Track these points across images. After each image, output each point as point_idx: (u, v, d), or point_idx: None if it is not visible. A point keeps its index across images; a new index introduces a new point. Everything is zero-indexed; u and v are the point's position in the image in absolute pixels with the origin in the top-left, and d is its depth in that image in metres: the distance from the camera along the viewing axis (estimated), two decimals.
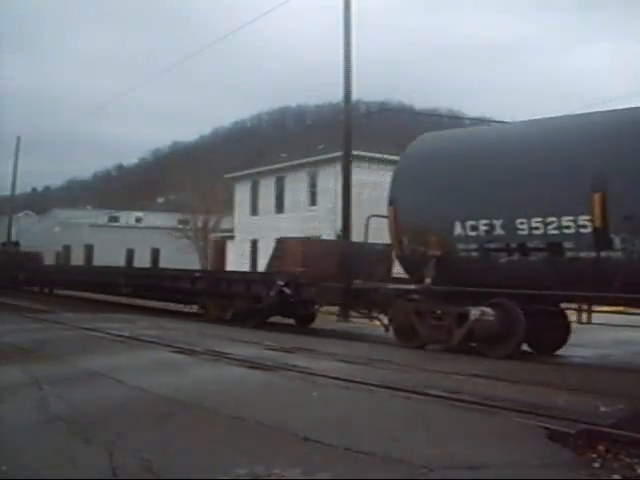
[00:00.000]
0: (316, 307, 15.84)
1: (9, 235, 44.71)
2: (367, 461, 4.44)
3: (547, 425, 5.39)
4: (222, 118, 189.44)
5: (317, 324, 16.34)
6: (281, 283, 14.76)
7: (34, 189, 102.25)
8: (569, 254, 9.71)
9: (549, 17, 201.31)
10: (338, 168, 22.54)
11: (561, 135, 10.40)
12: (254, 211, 34.48)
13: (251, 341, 11.94)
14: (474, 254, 10.85)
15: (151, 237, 42.81)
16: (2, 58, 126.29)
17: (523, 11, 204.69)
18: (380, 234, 13.62)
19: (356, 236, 19.50)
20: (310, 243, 18.10)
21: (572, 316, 10.47)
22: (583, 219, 9.45)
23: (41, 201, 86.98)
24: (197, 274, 19.64)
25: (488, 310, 10.31)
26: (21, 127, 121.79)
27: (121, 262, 24.56)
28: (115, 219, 59.26)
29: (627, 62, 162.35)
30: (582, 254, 9.58)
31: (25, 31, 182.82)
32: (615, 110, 10.14)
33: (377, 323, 14.81)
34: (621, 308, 10.11)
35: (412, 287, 11.83)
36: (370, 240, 13.80)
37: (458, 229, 10.91)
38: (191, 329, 14.32)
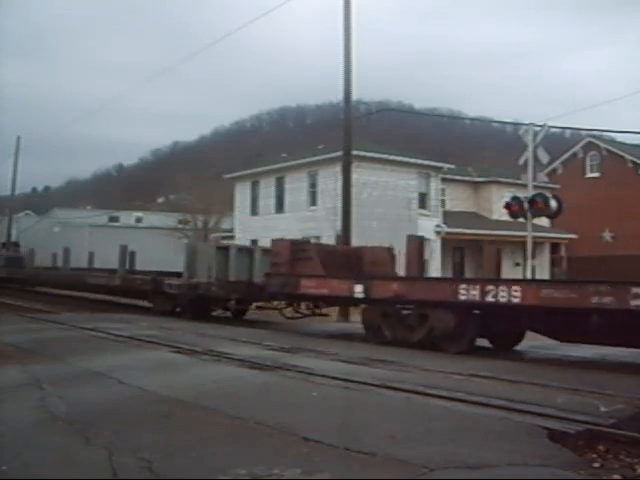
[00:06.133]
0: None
1: (9, 235, 44.68)
2: (367, 461, 4.44)
3: (547, 425, 5.40)
4: (222, 118, 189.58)
5: (317, 324, 16.36)
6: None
7: (34, 189, 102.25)
8: None
9: (548, 22, 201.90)
10: (338, 168, 22.51)
11: None
12: (254, 211, 34.42)
13: (251, 341, 11.94)
14: None
15: (151, 237, 42.82)
16: (3, 61, 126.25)
17: (522, 17, 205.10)
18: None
19: (356, 236, 19.56)
20: None
21: None
22: None
23: (41, 201, 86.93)
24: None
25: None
26: (21, 128, 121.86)
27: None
28: (115, 219, 59.16)
29: (622, 66, 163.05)
30: None
31: (26, 36, 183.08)
32: None
33: None
34: None
35: None
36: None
37: None
38: (190, 329, 14.30)
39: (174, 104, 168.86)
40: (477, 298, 10.61)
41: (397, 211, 29.11)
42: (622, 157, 38.42)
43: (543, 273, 31.93)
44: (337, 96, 22.98)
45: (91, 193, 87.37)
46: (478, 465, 4.38)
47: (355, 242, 18.93)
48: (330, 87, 27.26)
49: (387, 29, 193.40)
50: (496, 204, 31.29)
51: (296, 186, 31.25)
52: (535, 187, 17.90)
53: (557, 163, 40.55)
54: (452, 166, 33.00)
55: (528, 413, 5.89)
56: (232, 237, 35.21)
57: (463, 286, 10.99)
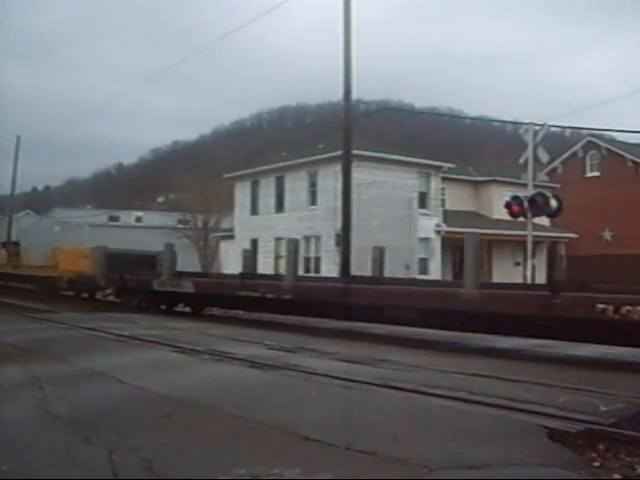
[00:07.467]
0: None
1: (9, 235, 44.69)
2: (368, 461, 4.44)
3: (547, 424, 5.39)
4: (222, 118, 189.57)
5: (317, 323, 16.30)
6: None
7: (34, 189, 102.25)
8: None
9: (549, 23, 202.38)
10: (338, 168, 22.50)
11: None
12: (254, 211, 34.43)
13: (252, 341, 11.92)
14: None
15: (151, 237, 42.77)
16: (4, 61, 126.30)
17: (523, 17, 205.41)
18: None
19: (356, 236, 19.56)
20: None
21: None
22: None
23: (41, 201, 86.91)
24: None
25: None
26: (21, 128, 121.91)
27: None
28: (115, 219, 59.19)
29: (622, 67, 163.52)
30: None
31: (26, 36, 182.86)
32: None
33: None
34: None
35: None
36: None
37: None
38: (192, 328, 14.30)
39: (174, 104, 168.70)
40: None
41: (397, 211, 29.11)
42: (622, 156, 38.41)
43: (543, 272, 31.89)
44: (337, 96, 22.92)
45: (91, 193, 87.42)
46: (479, 465, 4.37)
47: (355, 242, 18.92)
48: (330, 87, 27.23)
49: (387, 28, 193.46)
50: (496, 203, 31.28)
51: (296, 185, 31.25)
52: (535, 186, 17.91)
53: (557, 162, 40.55)
54: (452, 165, 33.01)
55: (529, 412, 5.88)
56: (232, 237, 35.18)
57: None
